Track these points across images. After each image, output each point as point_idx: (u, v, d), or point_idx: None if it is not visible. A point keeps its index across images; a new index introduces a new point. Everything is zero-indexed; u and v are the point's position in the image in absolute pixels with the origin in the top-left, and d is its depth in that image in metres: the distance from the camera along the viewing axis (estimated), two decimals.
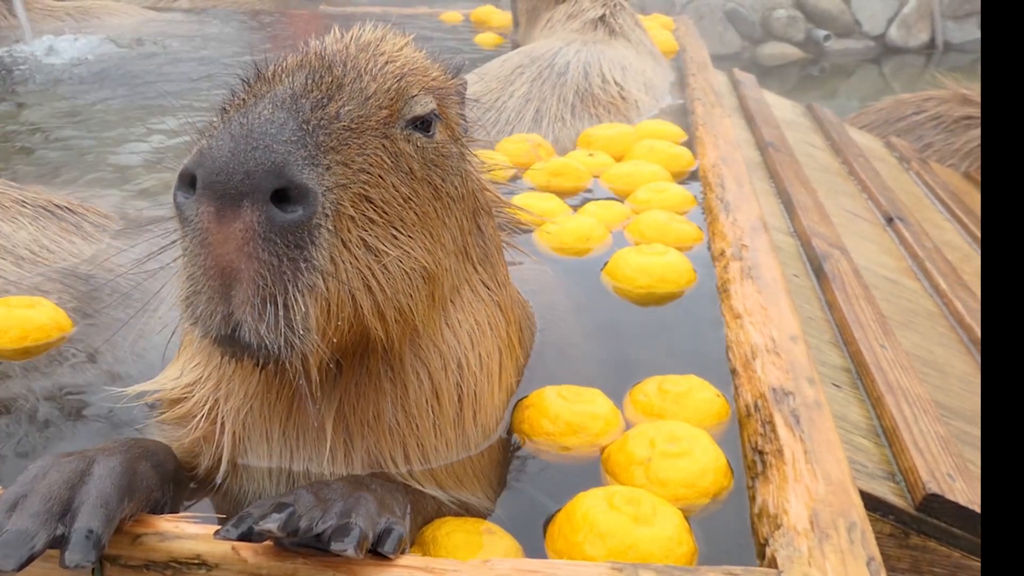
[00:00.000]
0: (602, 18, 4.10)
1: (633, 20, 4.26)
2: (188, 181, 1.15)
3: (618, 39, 4.08)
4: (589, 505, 1.38)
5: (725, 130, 3.30)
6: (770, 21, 11.36)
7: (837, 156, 4.42)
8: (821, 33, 11.30)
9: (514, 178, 2.96)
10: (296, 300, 1.17)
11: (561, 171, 2.94)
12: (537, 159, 3.09)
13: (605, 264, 2.31)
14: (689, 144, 3.28)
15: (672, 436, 1.55)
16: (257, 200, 1.12)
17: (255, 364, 1.28)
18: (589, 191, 2.92)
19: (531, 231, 2.45)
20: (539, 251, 2.41)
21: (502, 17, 5.71)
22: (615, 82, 3.77)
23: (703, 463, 1.51)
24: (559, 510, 1.42)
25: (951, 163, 5.24)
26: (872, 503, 1.73)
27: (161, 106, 4.02)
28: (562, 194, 2.82)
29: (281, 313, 1.16)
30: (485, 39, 5.42)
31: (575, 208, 2.71)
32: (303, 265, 1.17)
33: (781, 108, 4.84)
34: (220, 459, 1.51)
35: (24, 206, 2.40)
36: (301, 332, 1.19)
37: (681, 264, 2.27)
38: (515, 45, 4.78)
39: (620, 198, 2.82)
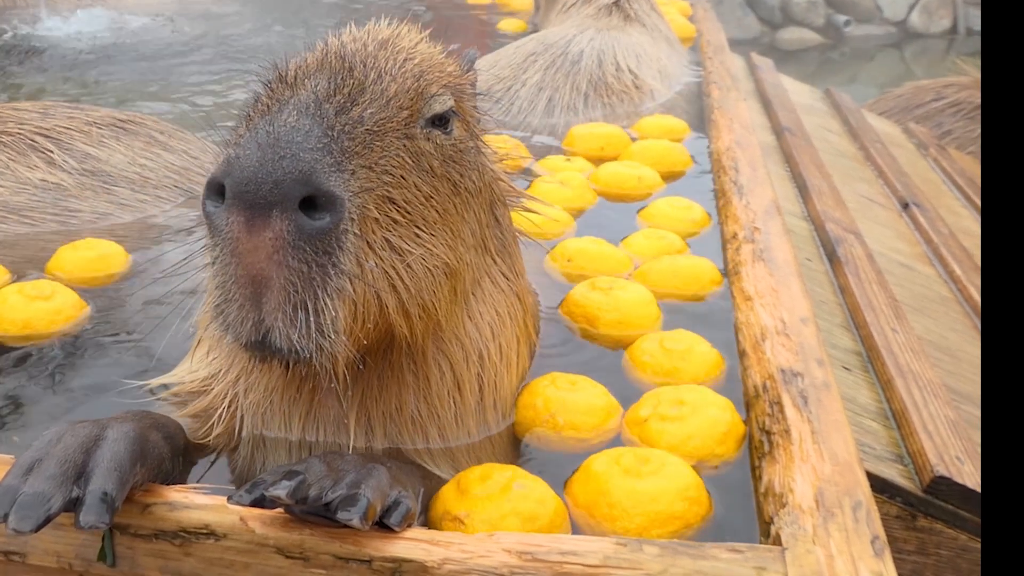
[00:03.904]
0: (616, 3, 4.06)
1: (649, 4, 4.22)
2: (216, 190, 1.16)
3: (633, 25, 4.04)
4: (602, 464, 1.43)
5: (740, 113, 3.28)
6: (790, 6, 11.27)
7: (854, 141, 4.39)
8: (841, 18, 11.21)
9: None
10: (326, 305, 1.19)
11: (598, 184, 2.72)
12: (520, 158, 2.93)
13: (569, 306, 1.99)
14: (702, 129, 3.25)
15: (677, 400, 1.58)
16: (286, 209, 1.13)
17: (284, 366, 1.31)
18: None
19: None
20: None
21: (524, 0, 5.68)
22: (629, 70, 3.73)
23: (692, 428, 1.53)
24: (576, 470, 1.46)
25: (971, 151, 5.18)
26: (880, 485, 1.73)
27: (177, 83, 4.02)
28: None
29: (312, 318, 1.18)
30: (509, 25, 5.39)
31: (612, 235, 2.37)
32: (332, 270, 1.19)
33: (798, 93, 4.81)
34: (237, 448, 1.53)
35: (100, 127, 2.35)
36: (331, 335, 1.21)
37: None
38: (535, 29, 4.76)
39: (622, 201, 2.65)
